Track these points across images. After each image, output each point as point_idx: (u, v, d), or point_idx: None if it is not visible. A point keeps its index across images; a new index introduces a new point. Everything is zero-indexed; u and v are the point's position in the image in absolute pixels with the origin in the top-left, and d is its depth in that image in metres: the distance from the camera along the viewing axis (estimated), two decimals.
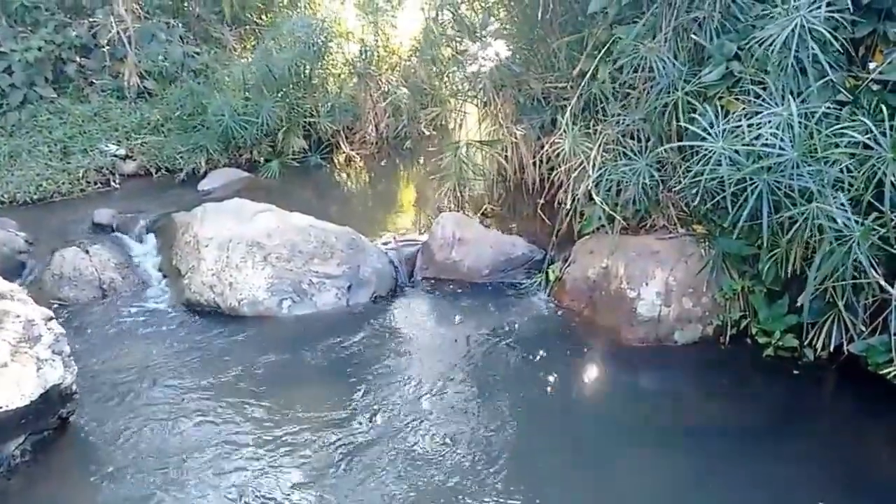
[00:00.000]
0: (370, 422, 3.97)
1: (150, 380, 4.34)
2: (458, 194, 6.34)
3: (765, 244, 4.08)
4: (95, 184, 7.19)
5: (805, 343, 4.23)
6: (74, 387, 3.75)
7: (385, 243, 5.82)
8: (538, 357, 4.62)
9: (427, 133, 8.77)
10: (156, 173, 7.59)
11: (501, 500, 3.41)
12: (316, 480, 3.54)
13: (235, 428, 3.92)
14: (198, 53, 8.60)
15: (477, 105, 6.84)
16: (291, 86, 8.13)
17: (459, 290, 5.45)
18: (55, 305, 5.01)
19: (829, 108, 3.75)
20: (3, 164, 7.04)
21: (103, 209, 6.39)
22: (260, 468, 3.63)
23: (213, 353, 4.67)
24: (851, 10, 3.85)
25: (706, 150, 3.91)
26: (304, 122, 8.13)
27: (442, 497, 3.43)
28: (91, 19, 8.16)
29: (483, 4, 6.67)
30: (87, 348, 4.57)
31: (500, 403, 4.14)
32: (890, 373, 3.74)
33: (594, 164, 4.91)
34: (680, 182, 4.49)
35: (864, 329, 3.95)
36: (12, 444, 3.52)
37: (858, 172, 3.59)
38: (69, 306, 5.16)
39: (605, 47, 4.94)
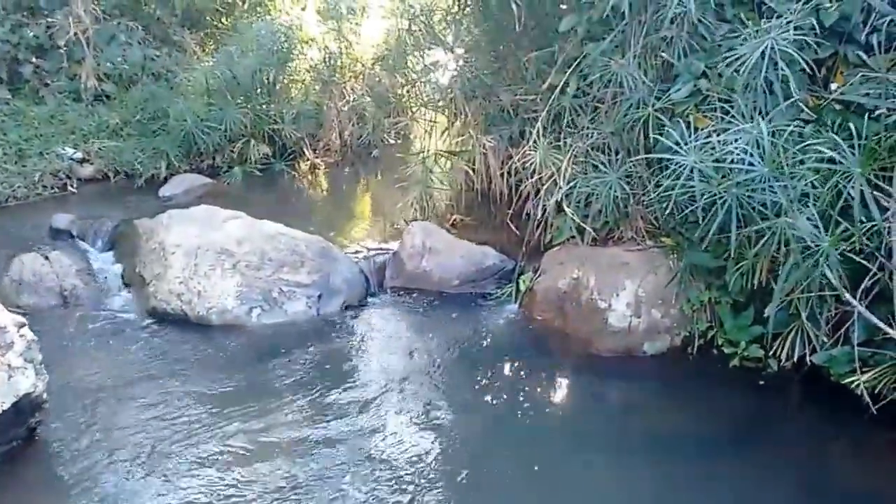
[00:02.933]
0: (336, 431, 3.94)
1: (117, 389, 4.24)
2: (425, 204, 6.36)
3: (732, 256, 4.21)
4: (52, 188, 7.01)
5: (770, 354, 4.37)
6: (45, 395, 3.64)
7: (355, 252, 5.81)
8: (508, 367, 4.68)
9: (393, 141, 8.79)
10: (114, 178, 7.43)
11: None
12: (280, 489, 3.51)
13: (204, 438, 3.85)
14: (158, 56, 8.45)
15: (446, 115, 6.88)
16: (255, 92, 8.06)
17: (429, 300, 5.47)
18: (16, 312, 4.84)
19: (794, 126, 3.91)
20: None
21: (61, 214, 6.23)
22: (226, 479, 3.57)
23: (181, 363, 4.59)
24: (817, 32, 4.02)
25: (677, 164, 4.02)
26: (268, 128, 8.07)
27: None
28: (48, 19, 7.95)
29: (455, 16, 6.72)
30: (50, 357, 4.41)
31: (467, 413, 4.17)
32: (852, 383, 3.89)
33: (564, 176, 5.00)
34: (649, 195, 4.60)
35: (826, 340, 4.10)
36: None
37: (823, 188, 3.73)
38: (29, 314, 4.99)
39: (576, 62, 5.04)
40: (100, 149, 7.46)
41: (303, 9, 9.37)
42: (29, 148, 7.19)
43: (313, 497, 3.47)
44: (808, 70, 4.11)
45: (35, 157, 7.12)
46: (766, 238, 3.88)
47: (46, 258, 5.43)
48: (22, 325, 3.60)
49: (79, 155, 7.36)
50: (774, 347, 4.34)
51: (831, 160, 3.65)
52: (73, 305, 5.21)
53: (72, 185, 7.16)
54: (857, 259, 3.76)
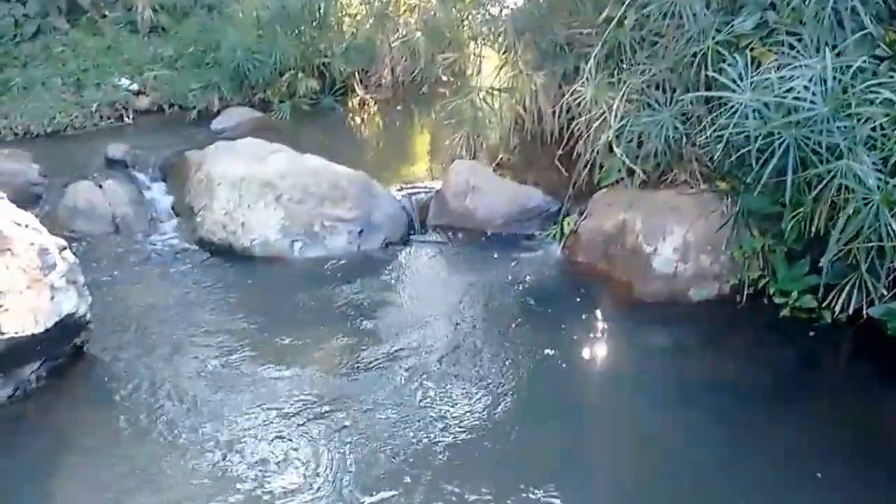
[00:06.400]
0: (376, 365, 3.97)
1: (162, 314, 4.37)
2: (473, 143, 6.21)
3: (789, 202, 4.00)
4: (108, 118, 7.09)
5: (823, 305, 4.17)
6: (88, 316, 3.76)
7: (398, 189, 5.75)
8: (549, 309, 4.59)
9: (445, 78, 8.60)
10: (168, 110, 7.47)
11: (504, 449, 3.42)
12: (318, 416, 3.58)
13: (245, 364, 3.95)
14: None
15: (496, 50, 6.67)
16: (306, 25, 7.95)
17: (472, 240, 5.39)
18: (68, 237, 4.98)
19: (865, 62, 3.63)
20: (17, 95, 6.94)
21: (116, 144, 6.31)
22: (267, 403, 3.66)
23: (225, 292, 4.67)
24: None
25: (733, 102, 3.81)
26: (318, 62, 7.96)
27: (441, 448, 3.42)
28: None
29: None
30: (99, 281, 4.56)
31: (508, 354, 4.12)
32: None
33: (616, 115, 4.80)
34: (705, 135, 4.39)
35: (885, 293, 3.87)
36: (28, 369, 3.56)
37: (892, 131, 3.48)
38: (82, 239, 5.14)
39: None
40: (155, 80, 7.51)
41: None
42: (86, 79, 7.27)
43: (348, 415, 3.57)
44: (884, 1, 3.79)
45: (92, 87, 7.21)
46: (824, 182, 3.66)
47: (100, 186, 5.55)
48: (63, 248, 3.69)
49: (134, 86, 7.42)
50: (829, 299, 4.13)
51: None
52: (124, 233, 5.34)
53: (128, 116, 7.23)
54: None
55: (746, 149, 3.85)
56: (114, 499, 3.07)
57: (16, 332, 3.40)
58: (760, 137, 3.72)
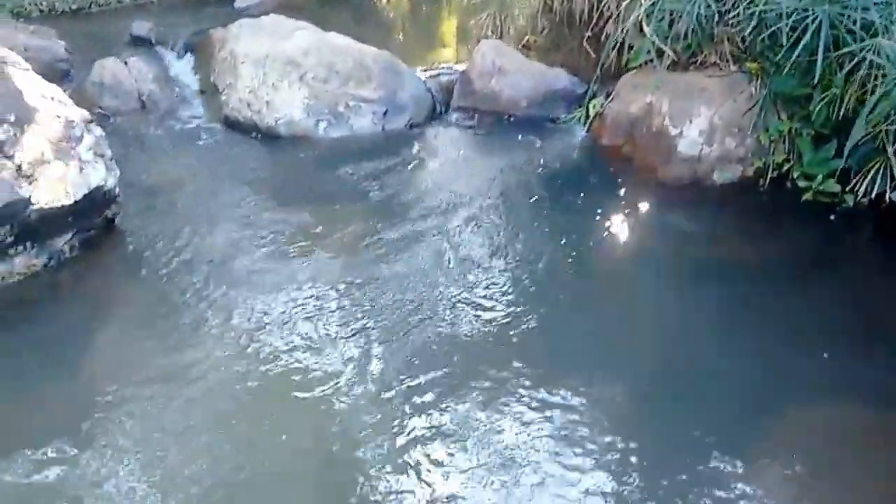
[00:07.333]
0: (401, 246, 4.04)
1: (190, 190, 4.46)
2: (500, 23, 6.06)
3: (819, 83, 3.89)
4: None
5: (846, 189, 4.13)
6: (117, 190, 3.87)
7: (423, 70, 5.67)
8: (571, 192, 4.60)
9: None
10: None
11: (530, 325, 3.50)
12: (345, 295, 3.68)
13: (272, 241, 4.04)
14: None
15: None
16: None
17: (496, 122, 5.34)
18: (97, 114, 5.05)
19: None
20: None
21: (141, 21, 6.28)
22: (295, 279, 3.76)
23: (251, 168, 4.76)
24: None
25: None
26: None
27: (470, 329, 3.49)
28: None
29: None
30: (128, 156, 4.65)
31: (530, 235, 4.17)
32: None
33: None
34: (737, 13, 4.22)
35: None
36: (61, 240, 3.70)
37: None
38: (110, 116, 5.21)
39: None
40: None
41: None
42: None
43: (375, 294, 3.67)
44: None
45: None
46: (855, 61, 3.54)
47: (125, 63, 5.56)
48: (90, 121, 3.75)
49: None
50: (853, 183, 4.09)
51: None
52: (151, 110, 5.38)
53: None
54: None
55: (778, 26, 3.71)
56: (148, 362, 3.24)
57: (46, 204, 3.51)
58: (794, 14, 3.59)
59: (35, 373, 3.18)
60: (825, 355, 3.35)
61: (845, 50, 3.59)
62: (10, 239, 3.46)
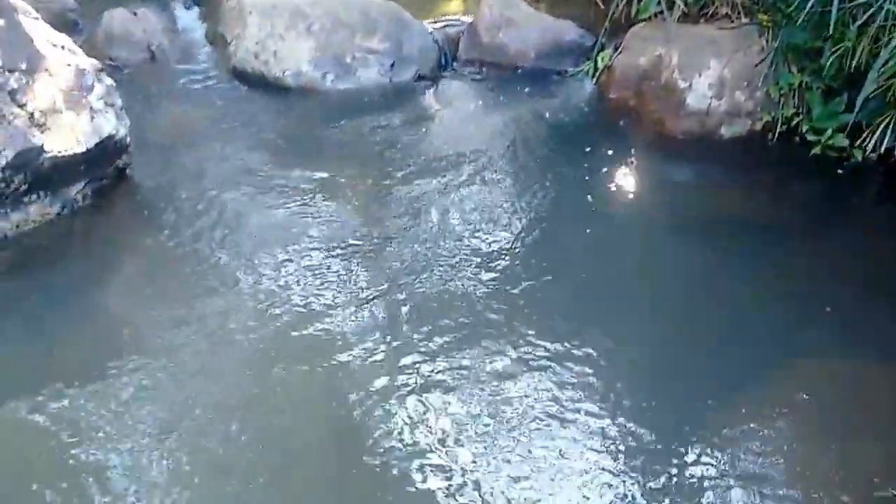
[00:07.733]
0: (410, 198, 4.07)
1: (199, 141, 4.48)
2: None
3: (831, 36, 3.86)
4: None
5: (855, 144, 4.13)
6: (128, 140, 3.89)
7: (430, 22, 5.63)
8: (579, 144, 4.60)
9: None
10: None
11: (530, 280, 3.54)
12: (355, 248, 3.71)
13: (280, 189, 4.08)
14: None
15: None
16: None
17: (504, 74, 5.32)
18: (107, 65, 5.05)
19: None
20: None
21: None
22: (291, 212, 3.85)
23: (260, 120, 4.76)
24: None
25: None
26: None
27: (481, 282, 3.52)
28: None
29: None
30: (138, 107, 4.66)
31: (538, 187, 4.19)
32: None
33: None
34: None
35: None
36: (73, 189, 3.74)
37: None
38: (120, 67, 5.20)
39: None
40: None
41: None
42: None
43: (385, 246, 3.71)
44: None
45: None
46: (871, 12, 3.51)
47: (135, 14, 5.53)
48: (100, 70, 3.76)
49: None
50: (862, 137, 4.08)
51: None
52: (160, 61, 5.37)
53: None
54: None
55: None
56: (160, 308, 3.30)
57: (59, 152, 3.53)
58: None
59: (49, 316, 3.25)
60: (827, 309, 3.38)
61: (860, 0, 3.55)
62: (24, 187, 3.49)
